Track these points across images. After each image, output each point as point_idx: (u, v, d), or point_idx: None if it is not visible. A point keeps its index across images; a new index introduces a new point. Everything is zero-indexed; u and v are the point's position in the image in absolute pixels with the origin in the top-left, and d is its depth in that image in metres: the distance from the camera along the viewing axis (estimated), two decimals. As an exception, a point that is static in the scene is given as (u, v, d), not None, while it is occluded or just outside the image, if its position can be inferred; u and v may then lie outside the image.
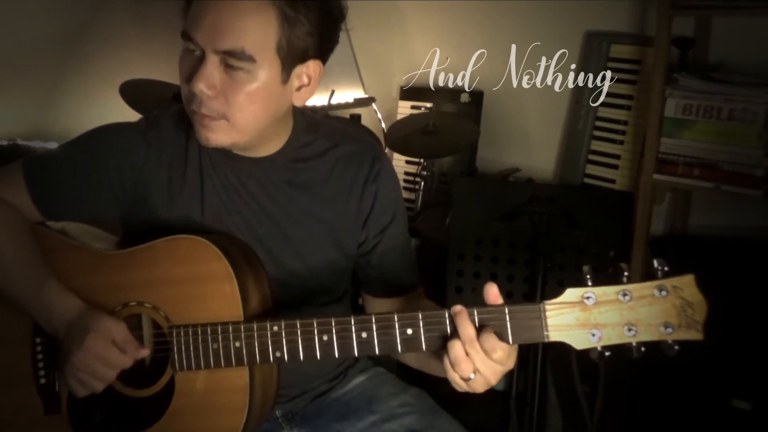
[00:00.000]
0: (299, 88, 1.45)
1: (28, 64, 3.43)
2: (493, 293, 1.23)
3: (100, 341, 1.36)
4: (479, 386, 1.24)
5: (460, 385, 1.24)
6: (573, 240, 2.37)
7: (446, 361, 1.22)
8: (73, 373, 1.38)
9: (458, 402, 1.25)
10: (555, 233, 2.37)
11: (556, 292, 1.17)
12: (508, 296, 2.35)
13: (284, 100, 1.44)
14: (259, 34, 1.34)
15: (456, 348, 1.20)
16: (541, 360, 2.42)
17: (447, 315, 1.23)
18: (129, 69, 3.28)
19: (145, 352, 1.41)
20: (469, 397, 1.31)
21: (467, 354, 1.20)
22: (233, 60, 1.34)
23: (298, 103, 1.48)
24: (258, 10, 1.33)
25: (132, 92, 2.98)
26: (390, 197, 1.62)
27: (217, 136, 1.41)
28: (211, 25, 1.32)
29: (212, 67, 1.34)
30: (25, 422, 1.51)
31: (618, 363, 1.18)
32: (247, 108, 1.39)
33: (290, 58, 1.39)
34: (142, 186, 1.53)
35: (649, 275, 1.16)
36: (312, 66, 1.44)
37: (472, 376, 1.21)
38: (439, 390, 1.51)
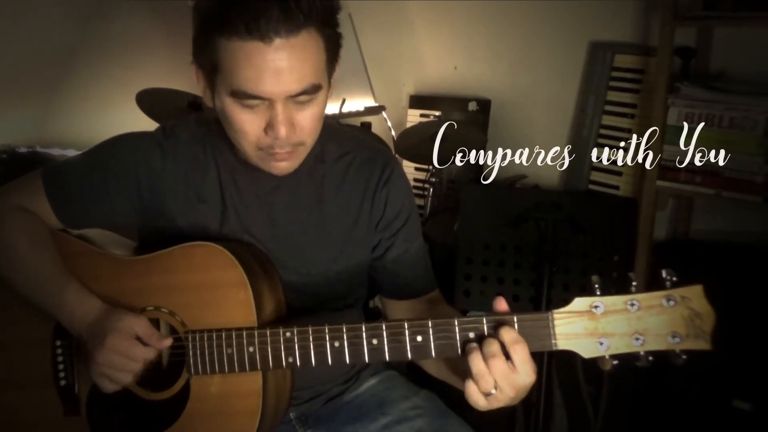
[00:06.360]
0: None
1: (47, 72, 3.47)
2: (501, 306, 1.23)
3: (123, 339, 1.39)
4: (499, 403, 1.20)
5: (479, 403, 1.21)
6: (578, 245, 2.39)
7: (468, 380, 1.20)
8: (98, 370, 1.40)
9: (467, 404, 1.27)
10: (560, 238, 2.38)
11: (562, 296, 1.18)
12: (515, 299, 2.37)
13: None
14: (317, 63, 1.34)
15: (477, 362, 1.18)
16: (546, 361, 2.44)
17: (456, 323, 1.23)
18: (146, 77, 3.30)
19: (168, 341, 1.42)
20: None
21: (488, 367, 1.18)
22: (305, 97, 1.34)
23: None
24: (310, 43, 1.31)
25: (148, 101, 3.01)
26: (401, 201, 1.62)
27: (293, 162, 1.44)
28: (277, 76, 1.29)
29: (286, 111, 1.34)
30: (45, 423, 1.54)
31: (622, 364, 1.20)
32: (317, 129, 1.42)
33: (332, 69, 1.42)
34: (159, 195, 1.55)
35: (655, 283, 1.16)
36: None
37: (493, 391, 1.18)
38: (449, 392, 1.53)
